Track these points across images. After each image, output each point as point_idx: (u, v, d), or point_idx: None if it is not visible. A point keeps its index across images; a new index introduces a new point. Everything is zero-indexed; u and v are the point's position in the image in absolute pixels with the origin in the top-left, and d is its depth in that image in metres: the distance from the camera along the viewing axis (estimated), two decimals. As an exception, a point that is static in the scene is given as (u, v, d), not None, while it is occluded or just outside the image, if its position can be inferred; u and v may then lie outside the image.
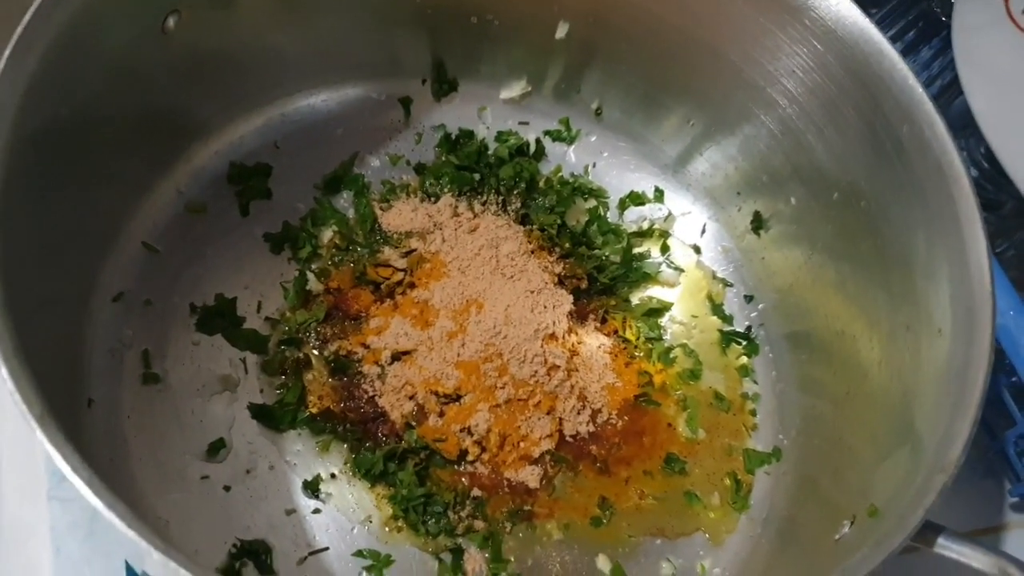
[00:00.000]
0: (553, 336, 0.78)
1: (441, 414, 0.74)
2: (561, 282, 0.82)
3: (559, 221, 0.85)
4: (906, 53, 0.99)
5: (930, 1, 0.95)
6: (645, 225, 0.88)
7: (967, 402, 0.55)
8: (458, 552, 0.70)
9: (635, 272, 0.85)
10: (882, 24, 1.00)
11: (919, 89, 0.66)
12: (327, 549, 0.69)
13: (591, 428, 0.77)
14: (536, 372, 0.76)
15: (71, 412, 0.67)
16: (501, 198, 0.86)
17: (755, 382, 0.82)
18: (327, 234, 0.82)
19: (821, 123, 0.74)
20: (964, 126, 0.83)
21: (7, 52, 0.55)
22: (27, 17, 0.57)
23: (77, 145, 0.65)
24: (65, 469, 0.45)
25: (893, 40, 0.99)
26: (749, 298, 0.86)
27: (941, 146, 0.64)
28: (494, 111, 0.91)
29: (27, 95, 0.57)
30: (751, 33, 0.74)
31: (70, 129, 0.64)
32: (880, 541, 0.51)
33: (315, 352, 0.76)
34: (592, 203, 0.89)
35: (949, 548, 0.53)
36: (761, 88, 0.77)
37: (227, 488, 0.70)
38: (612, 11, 0.80)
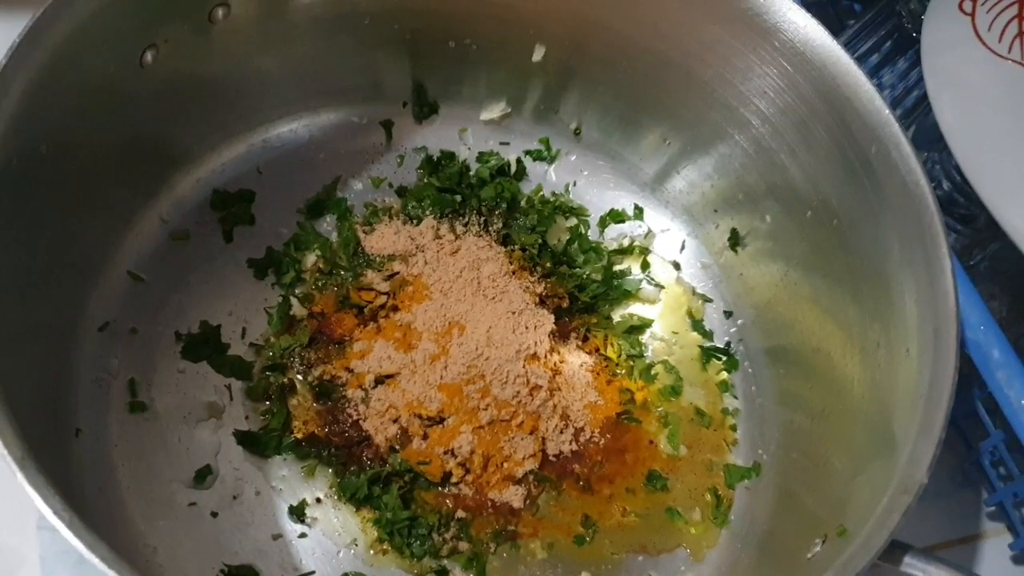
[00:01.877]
0: (535, 356, 0.79)
1: (425, 437, 0.75)
2: (542, 302, 0.83)
3: (540, 240, 0.86)
4: (883, 64, 1.00)
5: (901, 17, 0.96)
6: (625, 242, 0.89)
7: (932, 423, 0.56)
8: (443, 573, 0.71)
9: (616, 290, 0.86)
10: (858, 36, 1.01)
11: (885, 111, 0.67)
12: (313, 573, 0.70)
13: (574, 447, 0.78)
14: (519, 393, 0.77)
15: (58, 442, 0.68)
16: (483, 219, 0.87)
17: (735, 397, 0.83)
18: (310, 259, 0.83)
19: (793, 143, 0.75)
20: (939, 139, 0.84)
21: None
22: (4, 58, 0.58)
23: (59, 177, 0.66)
24: (46, 512, 0.46)
25: (871, 52, 1.01)
26: (728, 314, 0.87)
27: (907, 166, 0.65)
28: (475, 132, 0.92)
29: (7, 132, 0.58)
30: (722, 55, 0.76)
31: (52, 162, 0.64)
32: (846, 562, 0.52)
33: (299, 377, 0.77)
34: (573, 221, 0.90)
35: (915, 566, 0.55)
36: (734, 108, 0.78)
37: (214, 514, 0.71)
38: (587, 35, 0.81)
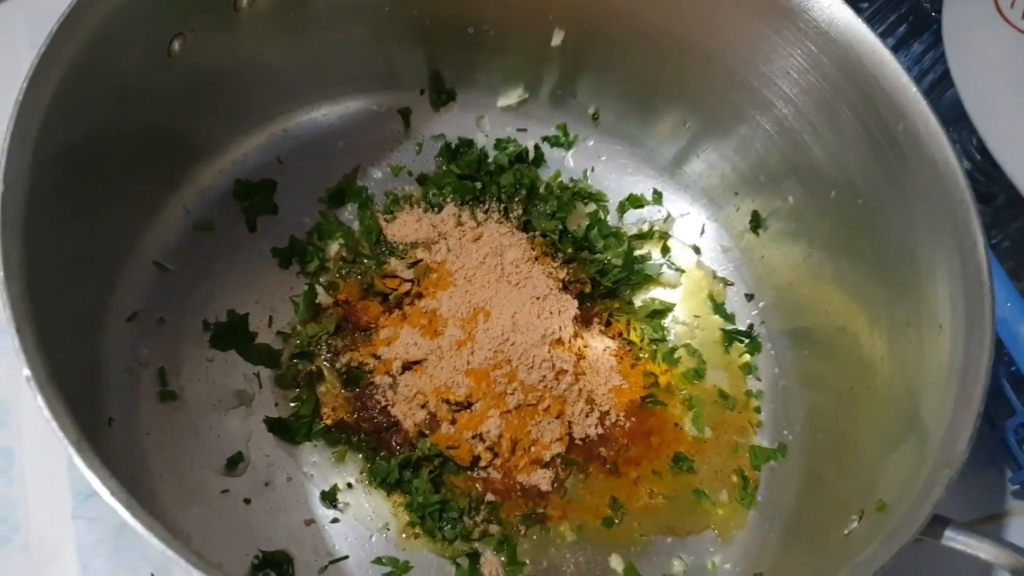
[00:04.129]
0: (560, 341, 0.79)
1: (453, 422, 0.75)
2: (565, 287, 0.83)
3: (561, 227, 0.86)
4: (898, 47, 1.01)
5: (919, -1, 0.97)
6: (645, 227, 0.89)
7: (970, 397, 0.56)
8: (474, 556, 0.72)
9: (637, 274, 0.86)
10: (873, 19, 1.01)
11: (913, 88, 0.67)
12: (347, 557, 0.71)
13: (600, 430, 0.78)
14: (544, 377, 0.77)
15: (92, 432, 0.67)
16: (503, 205, 0.87)
17: (758, 379, 0.84)
18: (334, 247, 0.83)
19: (817, 123, 0.75)
20: (957, 119, 0.84)
21: (24, 84, 0.56)
22: (41, 50, 0.58)
23: (90, 168, 0.66)
24: (104, 493, 0.46)
25: (885, 35, 1.01)
26: (750, 296, 0.87)
27: (935, 143, 0.65)
28: (492, 119, 0.92)
29: (45, 123, 0.58)
30: (745, 37, 0.76)
31: (84, 153, 0.65)
32: (889, 536, 0.52)
33: (327, 364, 0.77)
34: (592, 207, 0.90)
35: (955, 540, 0.55)
36: (756, 90, 0.78)
37: (247, 501, 0.71)
38: (605, 18, 0.81)
